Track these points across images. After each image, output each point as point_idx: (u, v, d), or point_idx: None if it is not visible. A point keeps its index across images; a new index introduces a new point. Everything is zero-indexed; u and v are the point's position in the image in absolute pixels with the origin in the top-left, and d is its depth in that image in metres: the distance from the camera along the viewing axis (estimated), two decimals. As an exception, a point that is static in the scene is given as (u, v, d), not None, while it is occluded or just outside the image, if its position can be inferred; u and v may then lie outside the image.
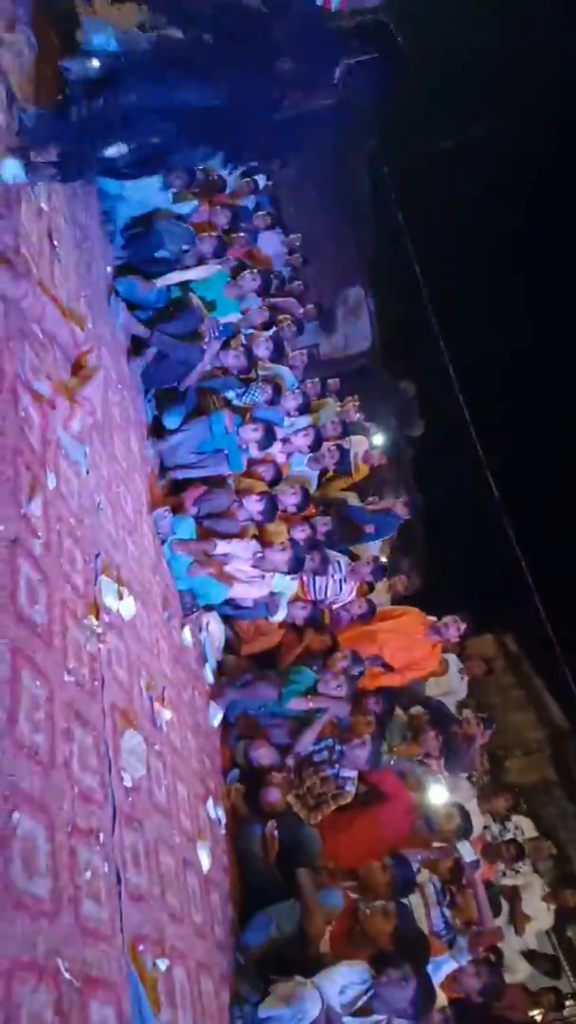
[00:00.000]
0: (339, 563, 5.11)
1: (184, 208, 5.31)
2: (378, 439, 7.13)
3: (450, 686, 5.82)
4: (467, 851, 4.25)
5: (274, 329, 5.90)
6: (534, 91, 10.97)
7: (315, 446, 5.57)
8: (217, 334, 4.92)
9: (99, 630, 2.41)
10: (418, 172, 12.11)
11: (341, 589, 5.01)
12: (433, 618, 5.27)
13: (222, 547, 4.19)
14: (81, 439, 2.74)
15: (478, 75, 11.55)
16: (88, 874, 1.86)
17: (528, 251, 11.96)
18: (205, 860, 2.92)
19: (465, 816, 4.22)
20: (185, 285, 4.89)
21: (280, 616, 4.64)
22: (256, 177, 7.20)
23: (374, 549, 6.28)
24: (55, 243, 3.17)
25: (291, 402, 5.42)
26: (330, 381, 7.29)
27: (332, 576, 4.98)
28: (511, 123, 11.65)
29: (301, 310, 7.12)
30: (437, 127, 12.51)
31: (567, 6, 10.33)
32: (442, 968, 3.54)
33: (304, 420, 5.76)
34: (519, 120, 11.43)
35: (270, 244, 7.32)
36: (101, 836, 2.00)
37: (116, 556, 2.87)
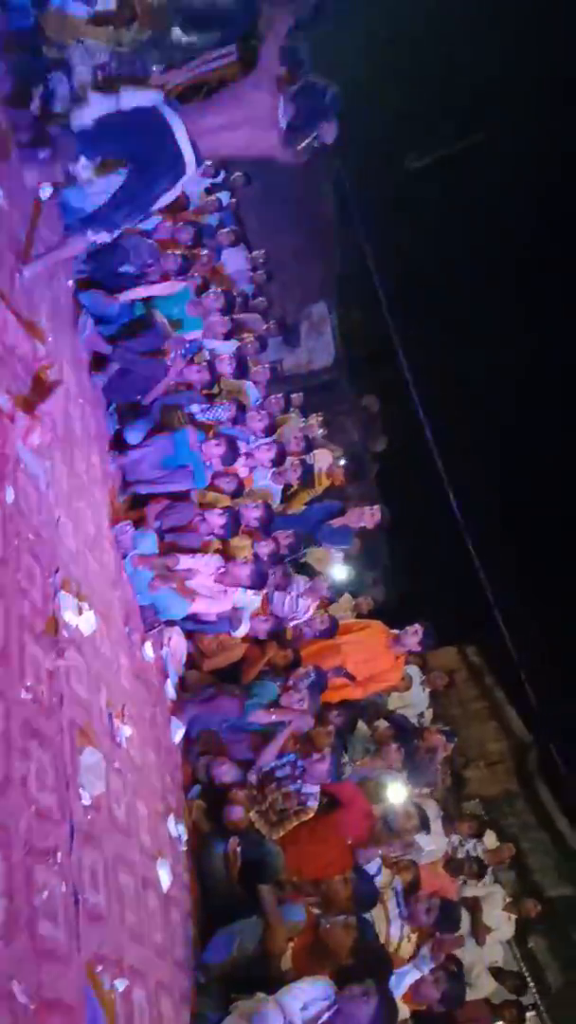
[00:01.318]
0: (297, 581, 5.13)
1: (147, 224, 5.33)
2: (341, 461, 7.14)
3: (412, 698, 5.86)
4: (426, 842, 4.30)
5: (237, 345, 5.93)
6: (506, 114, 11.25)
7: (279, 461, 5.60)
8: (183, 352, 4.94)
9: (58, 646, 2.39)
10: (383, 191, 12.32)
11: (299, 606, 5.03)
12: (396, 631, 5.31)
13: (184, 562, 4.19)
14: (41, 454, 2.73)
15: (449, 97, 11.80)
16: (45, 894, 1.84)
17: (491, 269, 12.22)
18: (165, 878, 2.89)
19: (423, 815, 4.26)
20: (148, 302, 4.90)
21: (243, 630, 4.64)
22: (220, 195, 7.26)
23: (338, 565, 6.33)
24: (16, 255, 3.16)
25: (257, 423, 5.44)
26: (293, 396, 7.34)
27: (290, 592, 5.00)
28: (480, 145, 11.93)
29: (264, 326, 7.17)
30: (404, 147, 12.75)
31: (541, 24, 10.55)
32: (405, 979, 3.54)
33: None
34: (489, 142, 11.71)
35: (234, 261, 7.37)
36: (59, 855, 1.97)
37: (76, 571, 2.86)
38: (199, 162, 3.45)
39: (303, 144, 3.52)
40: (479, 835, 5.95)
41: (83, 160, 3.75)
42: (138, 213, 3.48)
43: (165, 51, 4.73)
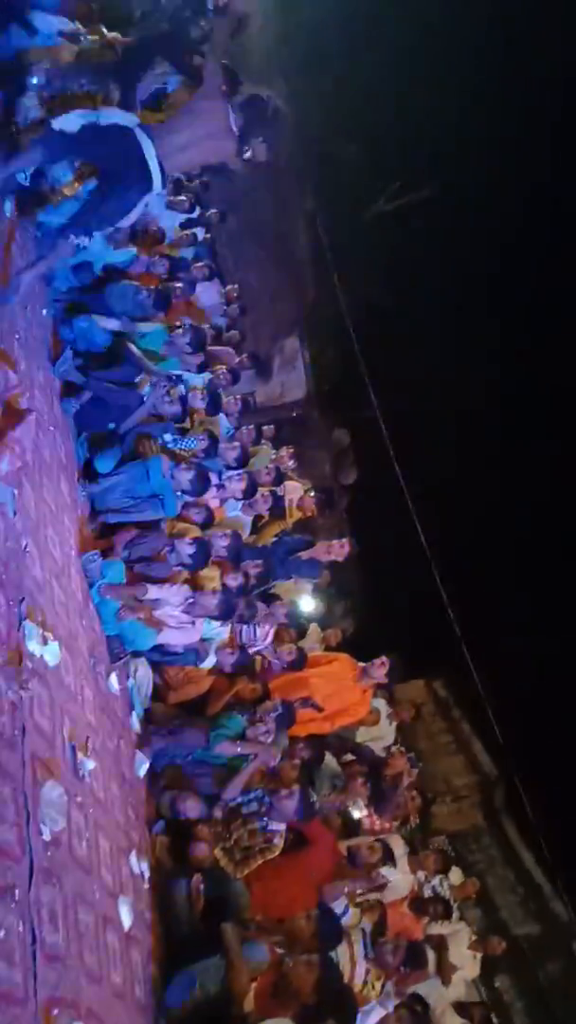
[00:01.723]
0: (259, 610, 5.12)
1: (122, 257, 5.39)
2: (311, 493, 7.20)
3: (379, 732, 5.84)
4: (391, 873, 4.28)
5: (209, 378, 5.98)
6: (474, 157, 11.68)
7: (249, 492, 5.61)
8: (162, 384, 4.97)
9: (22, 677, 2.36)
10: (355, 230, 12.63)
11: (256, 634, 5.02)
12: (363, 664, 5.31)
13: (152, 592, 4.16)
14: (9, 481, 2.72)
15: (417, 141, 12.20)
16: (2, 933, 1.79)
17: (457, 306, 12.56)
18: (126, 917, 2.83)
19: (387, 848, 4.24)
20: (124, 335, 4.92)
21: (209, 663, 4.60)
22: (196, 230, 7.36)
23: (306, 597, 6.34)
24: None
25: (228, 454, 5.47)
26: (265, 428, 7.39)
27: (252, 623, 4.99)
28: (447, 188, 12.33)
29: (237, 359, 7.23)
30: (376, 188, 13.11)
31: (505, 73, 11.01)
32: (370, 1017, 3.49)
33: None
34: (456, 185, 12.11)
35: (208, 294, 7.45)
36: (17, 893, 1.93)
37: (42, 600, 2.83)
38: (164, 182, 3.73)
39: (252, 151, 3.74)
40: (445, 871, 5.90)
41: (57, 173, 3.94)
42: (109, 221, 3.73)
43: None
